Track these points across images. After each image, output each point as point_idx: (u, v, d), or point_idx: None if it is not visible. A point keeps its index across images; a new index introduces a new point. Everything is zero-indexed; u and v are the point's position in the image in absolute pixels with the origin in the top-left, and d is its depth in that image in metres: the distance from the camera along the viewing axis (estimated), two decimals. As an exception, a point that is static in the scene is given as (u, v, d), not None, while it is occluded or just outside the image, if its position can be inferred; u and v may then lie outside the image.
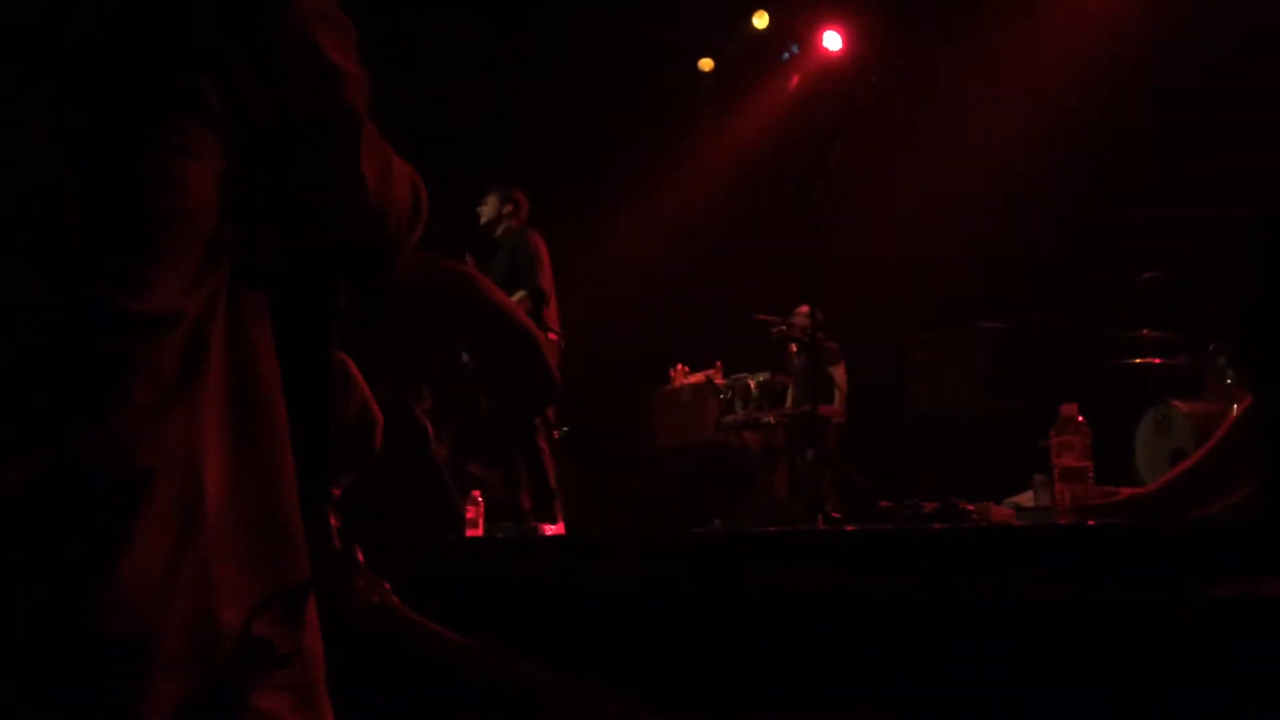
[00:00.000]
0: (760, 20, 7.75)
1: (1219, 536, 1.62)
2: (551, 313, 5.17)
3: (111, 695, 0.69)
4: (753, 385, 6.73)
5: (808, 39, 7.48)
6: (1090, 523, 1.93)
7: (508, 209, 5.32)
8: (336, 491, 1.04)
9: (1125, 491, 2.05)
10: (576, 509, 5.76)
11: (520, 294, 4.99)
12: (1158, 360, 5.20)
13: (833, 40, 7.16)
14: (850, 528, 2.96)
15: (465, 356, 5.07)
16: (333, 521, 0.99)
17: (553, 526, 4.84)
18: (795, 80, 7.78)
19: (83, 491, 0.70)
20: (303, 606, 0.81)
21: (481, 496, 4.56)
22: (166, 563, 0.72)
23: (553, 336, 5.07)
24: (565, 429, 6.79)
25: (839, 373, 6.25)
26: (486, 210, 5.34)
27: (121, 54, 0.74)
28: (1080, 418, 2.18)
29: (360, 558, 0.95)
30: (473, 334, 1.02)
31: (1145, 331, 5.24)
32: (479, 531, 4.48)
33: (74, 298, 0.72)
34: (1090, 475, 2.15)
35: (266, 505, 0.80)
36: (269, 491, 0.81)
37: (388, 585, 0.96)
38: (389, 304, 1.05)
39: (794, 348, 6.40)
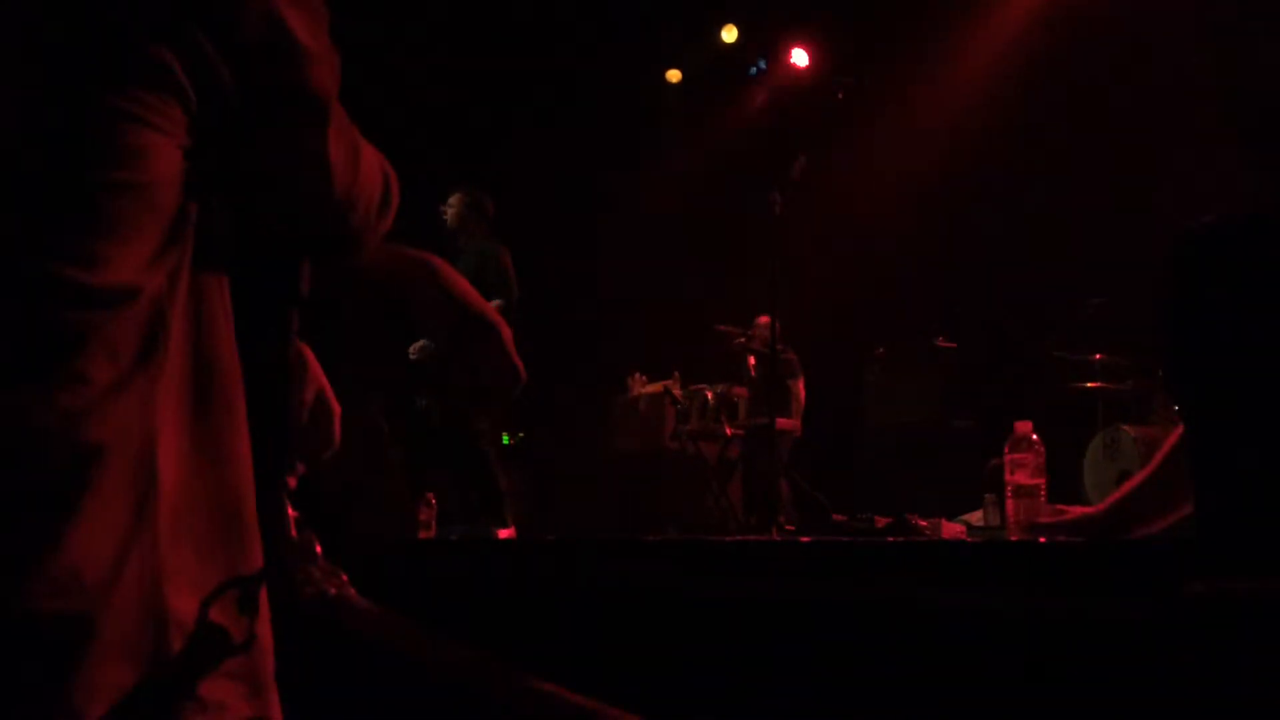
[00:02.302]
0: (729, 34, 7.80)
1: (1163, 553, 1.65)
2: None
3: (48, 678, 0.67)
4: (710, 396, 6.75)
5: (775, 54, 7.55)
6: (1041, 540, 1.96)
7: (475, 214, 5.29)
8: (293, 481, 1.02)
9: (1075, 510, 2.08)
10: (531, 514, 5.75)
11: (496, 303, 4.97)
12: (1107, 384, 5.29)
13: (800, 57, 7.23)
14: (804, 539, 2.97)
15: (414, 353, 5.08)
16: (290, 511, 0.98)
17: (505, 530, 4.82)
18: (762, 96, 7.85)
19: (30, 466, 0.68)
20: (256, 595, 0.80)
21: (435, 499, 4.53)
22: (115, 544, 0.70)
23: None
24: (521, 434, 6.77)
25: (797, 385, 6.29)
26: (451, 211, 5.30)
27: (78, 18, 0.72)
28: (1035, 436, 2.21)
29: (317, 548, 0.94)
30: (438, 322, 1.00)
31: (1096, 356, 5.34)
32: (431, 534, 4.44)
33: (28, 269, 0.70)
34: (1043, 493, 2.18)
35: (222, 490, 0.78)
36: (225, 476, 0.79)
37: (345, 576, 0.95)
38: (351, 290, 1.03)
39: (752, 360, 6.43)
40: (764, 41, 7.75)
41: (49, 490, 0.68)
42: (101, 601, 0.69)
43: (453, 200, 5.33)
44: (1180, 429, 1.76)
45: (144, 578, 0.71)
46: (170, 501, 0.73)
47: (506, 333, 1.03)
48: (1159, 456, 1.79)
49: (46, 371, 0.69)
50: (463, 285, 1.02)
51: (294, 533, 0.95)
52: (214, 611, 0.74)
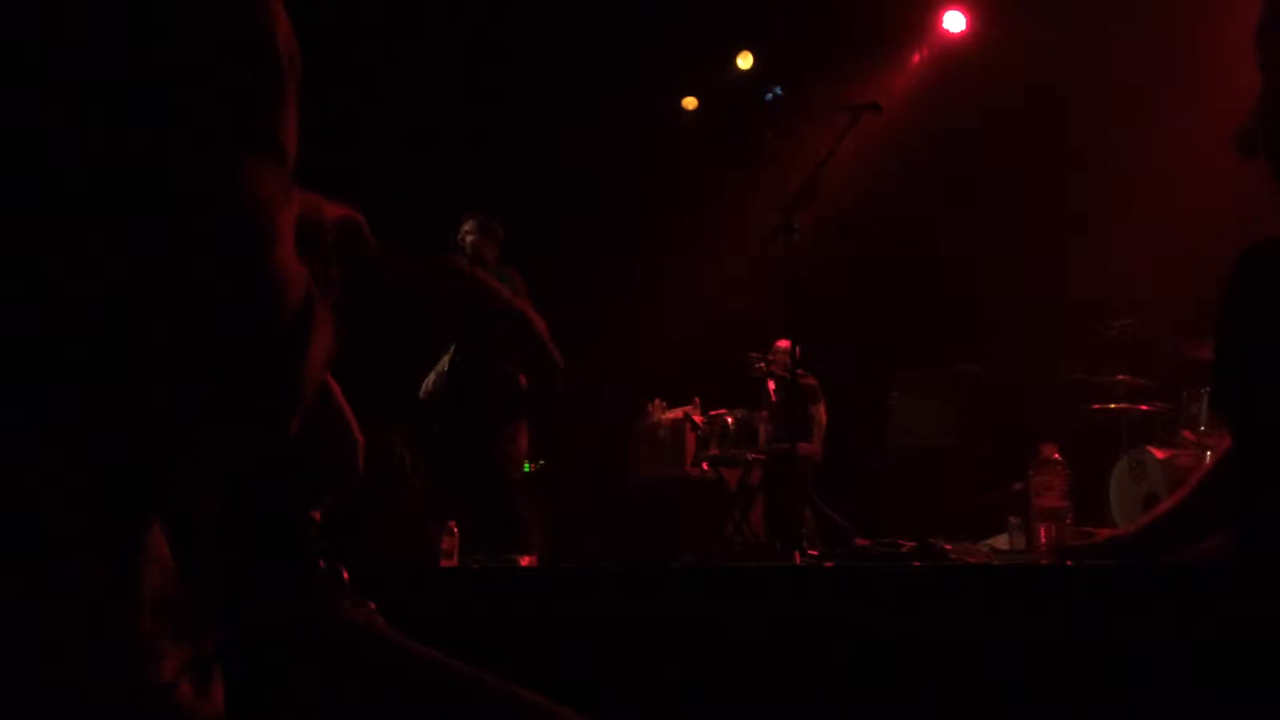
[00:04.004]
0: (744, 61, 7.83)
1: (1197, 578, 1.63)
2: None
3: None
4: (730, 422, 6.73)
5: (791, 80, 7.58)
6: (1069, 564, 1.94)
7: (491, 239, 5.33)
8: (316, 514, 1.02)
9: (1103, 533, 2.05)
10: (551, 542, 5.73)
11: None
12: (1131, 406, 5.25)
13: (817, 82, 7.25)
14: (828, 564, 2.95)
15: (424, 392, 5.09)
16: (317, 542, 0.98)
17: (526, 557, 4.81)
18: (778, 121, 7.87)
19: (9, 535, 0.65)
20: (218, 668, 0.76)
21: (457, 527, 4.52)
22: (94, 618, 0.66)
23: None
24: (541, 461, 6.76)
25: (818, 410, 6.26)
26: (469, 239, 5.33)
27: None
28: (1060, 458, 2.19)
29: (345, 576, 0.93)
30: (456, 313, 0.97)
31: (1120, 377, 5.29)
32: (454, 562, 4.43)
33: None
34: (1069, 516, 2.15)
35: (191, 556, 0.75)
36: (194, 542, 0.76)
37: (373, 606, 0.94)
38: (379, 304, 1.00)
39: (772, 384, 6.41)
40: (779, 67, 7.79)
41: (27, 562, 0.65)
42: (79, 677, 0.65)
43: (467, 227, 5.37)
44: (1214, 453, 1.74)
45: (127, 654, 0.68)
46: (151, 572, 0.70)
47: (541, 328, 0.99)
48: (1193, 480, 1.77)
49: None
50: (494, 284, 0.97)
51: (321, 563, 0.94)
52: (189, 686, 0.71)
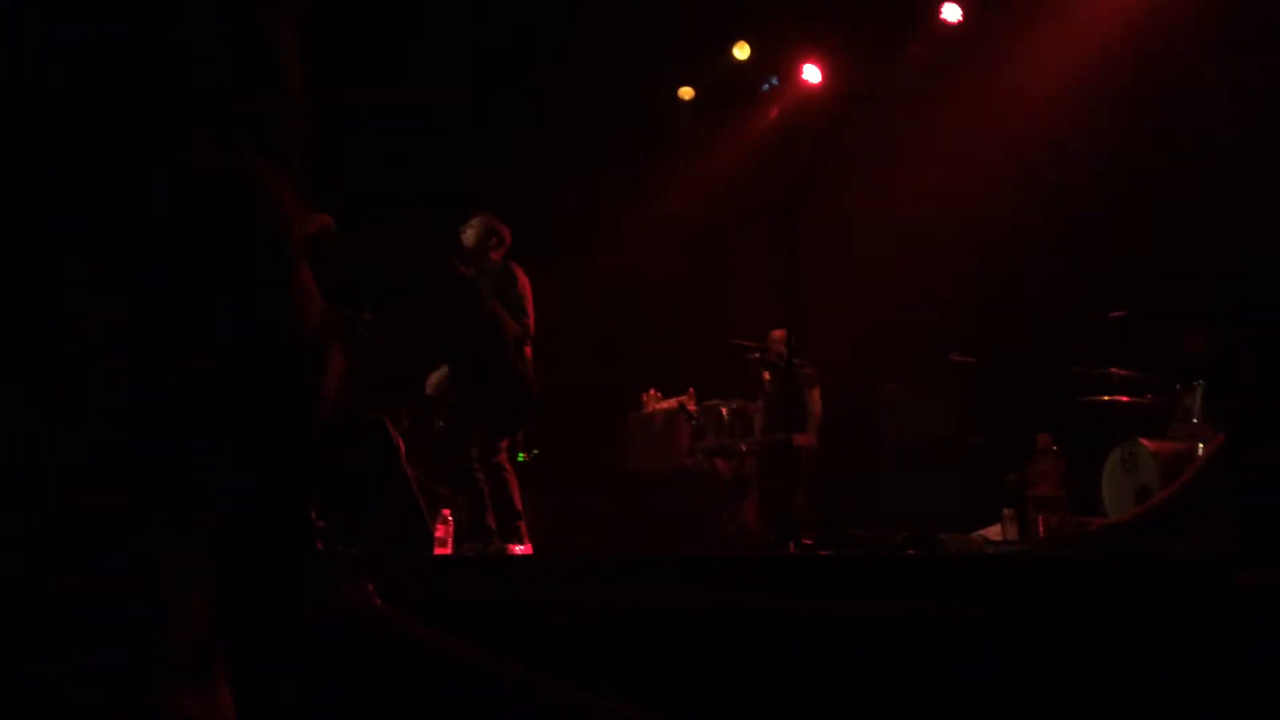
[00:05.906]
0: (741, 51, 7.83)
1: (1193, 568, 1.63)
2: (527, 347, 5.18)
3: None
4: (725, 412, 6.74)
5: (787, 71, 7.57)
6: (1066, 552, 1.94)
7: (493, 241, 5.30)
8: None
9: (1098, 522, 2.06)
10: (546, 532, 5.73)
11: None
12: (1125, 398, 5.26)
13: (812, 73, 7.26)
14: (823, 553, 2.96)
15: (430, 388, 5.12)
16: (316, 523, 0.98)
17: (520, 547, 4.81)
18: (775, 112, 7.87)
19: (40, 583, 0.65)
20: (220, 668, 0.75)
21: (451, 516, 4.53)
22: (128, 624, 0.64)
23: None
24: (536, 451, 6.76)
25: (813, 397, 6.27)
26: (470, 235, 5.32)
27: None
28: (1056, 448, 2.20)
29: (342, 560, 0.93)
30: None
31: (1113, 370, 5.30)
32: (448, 550, 4.44)
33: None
34: (1065, 504, 2.16)
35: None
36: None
37: (371, 587, 0.94)
38: (377, 294, 0.98)
39: (767, 374, 6.41)
40: (776, 58, 7.78)
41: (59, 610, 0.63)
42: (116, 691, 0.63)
43: (474, 222, 5.35)
44: (1209, 446, 1.75)
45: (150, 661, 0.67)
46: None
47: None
48: (1190, 470, 1.78)
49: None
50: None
51: (319, 546, 0.94)
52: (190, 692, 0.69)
